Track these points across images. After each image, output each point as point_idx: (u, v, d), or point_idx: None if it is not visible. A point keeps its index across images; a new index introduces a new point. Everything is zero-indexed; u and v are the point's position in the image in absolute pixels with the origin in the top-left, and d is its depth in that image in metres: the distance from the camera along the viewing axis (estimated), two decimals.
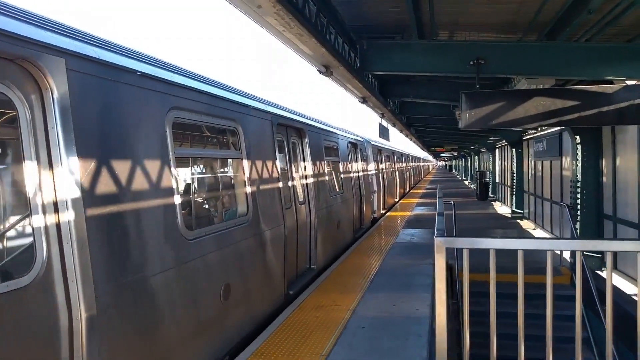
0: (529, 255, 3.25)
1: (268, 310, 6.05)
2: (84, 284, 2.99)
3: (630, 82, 7.82)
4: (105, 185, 3.33)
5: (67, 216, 2.97)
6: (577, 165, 10.86)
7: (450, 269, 9.13)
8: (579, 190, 10.88)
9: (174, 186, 4.12)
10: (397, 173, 25.33)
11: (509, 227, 16.55)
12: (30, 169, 2.87)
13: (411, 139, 29.30)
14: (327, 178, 9.76)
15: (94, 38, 3.57)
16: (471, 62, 7.52)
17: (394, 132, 20.89)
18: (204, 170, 6.60)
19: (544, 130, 14.70)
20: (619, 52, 7.30)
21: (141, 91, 3.80)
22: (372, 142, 17.48)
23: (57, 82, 2.94)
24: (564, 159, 13.39)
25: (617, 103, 7.23)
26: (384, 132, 17.45)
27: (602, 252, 9.59)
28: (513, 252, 3.28)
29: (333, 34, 7.16)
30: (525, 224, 17.50)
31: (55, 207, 2.95)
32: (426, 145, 40.01)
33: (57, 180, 2.94)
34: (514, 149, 19.64)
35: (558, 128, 12.83)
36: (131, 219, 3.59)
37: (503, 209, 22.17)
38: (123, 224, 3.49)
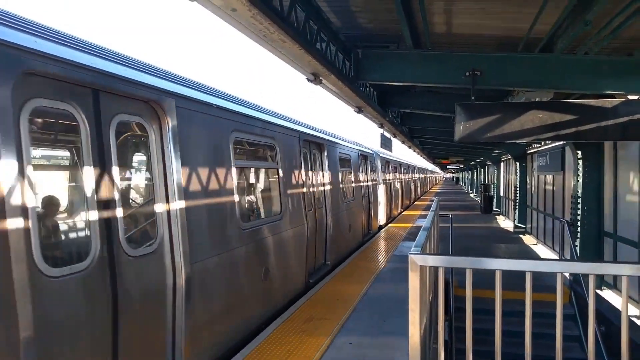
0: (533, 273, 3.08)
1: (294, 292, 7.61)
2: (184, 254, 4.37)
3: (631, 97, 7.60)
4: (196, 185, 4.74)
5: (175, 206, 4.34)
6: (578, 181, 10.61)
7: (446, 284, 8.92)
8: (579, 206, 10.61)
9: (235, 188, 5.58)
10: (402, 184, 25.21)
11: (510, 242, 16.25)
12: (154, 172, 4.27)
13: (415, 150, 29.07)
14: (341, 186, 11.20)
15: (186, 80, 5.06)
16: (467, 74, 7.35)
17: (396, 142, 20.72)
18: (253, 177, 7.97)
19: (548, 144, 14.46)
20: (619, 65, 7.09)
21: (215, 118, 5.29)
22: (381, 154, 17.68)
23: (171, 116, 4.35)
24: (566, 174, 13.13)
25: (617, 118, 7.00)
26: (386, 143, 17.30)
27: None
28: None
29: (325, 42, 7.02)
30: (528, 239, 17.18)
31: (167, 199, 4.31)
32: (431, 157, 39.74)
33: (169, 180, 4.32)
34: (517, 163, 19.37)
35: (561, 142, 12.59)
36: (211, 211, 5.05)
37: (506, 223, 21.85)
38: (206, 214, 4.93)
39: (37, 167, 3.43)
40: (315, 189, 9.19)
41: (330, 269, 9.60)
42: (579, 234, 10.57)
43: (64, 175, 4.90)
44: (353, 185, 12.74)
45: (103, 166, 3.66)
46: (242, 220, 5.76)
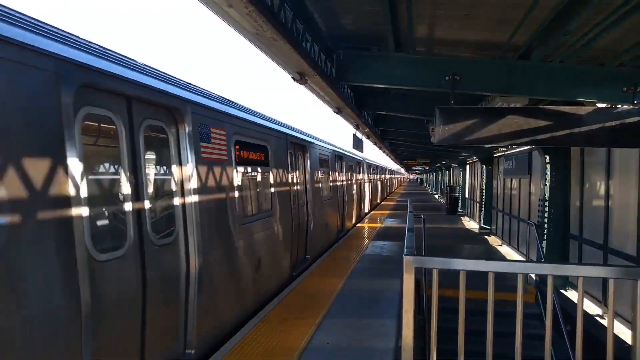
0: (496, 273, 3.20)
1: (281, 281, 8.30)
2: (197, 245, 4.98)
3: (600, 105, 7.92)
4: (208, 180, 5.36)
5: (191, 199, 4.96)
6: (546, 185, 10.97)
7: (417, 283, 9.07)
8: (546, 209, 10.98)
9: (236, 184, 6.25)
10: (371, 184, 25.50)
11: (477, 243, 16.66)
12: (173, 171, 4.92)
13: (384, 152, 29.41)
14: (320, 185, 11.94)
15: (197, 88, 5.68)
16: (447, 78, 7.48)
17: (367, 143, 20.90)
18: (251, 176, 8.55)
19: (514, 148, 14.88)
20: (591, 74, 7.38)
21: (219, 122, 5.85)
22: (352, 155, 18.11)
23: (187, 120, 4.95)
24: (532, 177, 13.55)
25: (587, 125, 7.28)
26: (358, 144, 17.40)
27: None
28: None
29: (309, 42, 7.01)
30: (493, 240, 17.65)
31: (182, 194, 4.93)
32: (399, 158, 40.27)
33: (185, 177, 4.96)
34: (484, 166, 19.86)
35: (528, 147, 12.99)
36: (217, 203, 5.67)
37: (471, 224, 22.38)
38: (212, 206, 5.49)
39: (86, 164, 3.73)
40: (299, 188, 9.87)
41: (310, 262, 10.47)
42: (545, 236, 10.94)
43: (105, 172, 5.17)
44: (330, 184, 13.43)
45: (134, 165, 4.22)
46: (241, 214, 6.54)
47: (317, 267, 9.84)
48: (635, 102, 6.95)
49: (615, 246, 8.95)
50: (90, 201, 3.66)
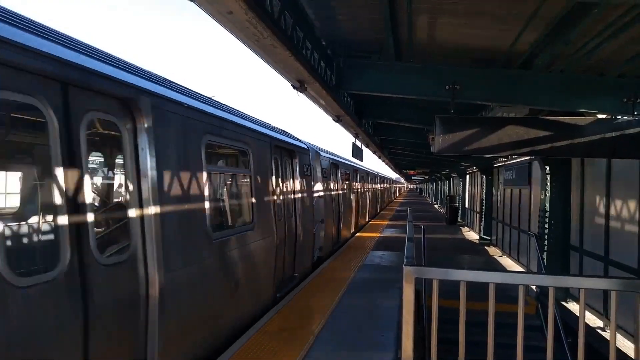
0: (497, 283, 3.16)
1: (262, 304, 7.17)
2: (158, 262, 4.18)
3: (601, 116, 7.90)
4: (172, 187, 4.59)
5: (150, 210, 4.17)
6: (546, 195, 10.93)
7: (417, 293, 8.99)
8: (547, 220, 10.93)
9: (207, 192, 5.34)
10: (370, 193, 25.42)
11: (477, 253, 16.58)
12: (128, 175, 4.18)
13: (384, 161, 29.40)
14: (310, 195, 10.74)
15: (161, 77, 4.89)
16: (447, 87, 7.46)
17: (367, 152, 20.89)
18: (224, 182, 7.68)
19: (515, 158, 14.86)
20: (591, 85, 7.36)
21: (186, 118, 4.97)
22: (350, 163, 17.92)
23: (145, 115, 4.15)
24: (532, 188, 13.51)
25: (588, 136, 7.28)
26: (357, 153, 17.39)
27: None
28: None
29: (309, 50, 7.00)
30: (493, 251, 17.58)
31: (140, 203, 4.15)
32: (398, 168, 40.28)
33: (142, 183, 4.26)
34: (484, 176, 19.82)
35: (528, 157, 12.97)
36: (184, 214, 4.83)
37: (471, 235, 22.30)
38: (178, 218, 4.69)
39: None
40: (286, 197, 8.87)
41: (297, 282, 9.13)
42: (546, 247, 10.87)
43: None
44: (323, 194, 12.39)
45: (72, 166, 3.59)
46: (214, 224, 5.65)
47: (306, 285, 8.84)
48: (636, 113, 6.93)
49: (617, 258, 8.88)
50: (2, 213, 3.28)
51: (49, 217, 3.66)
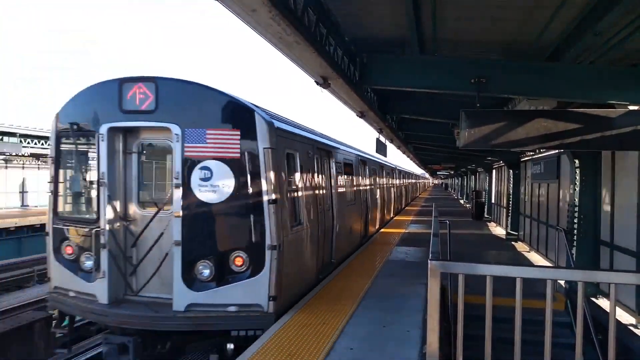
0: (524, 279, 3.11)
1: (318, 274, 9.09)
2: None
3: (632, 107, 7.69)
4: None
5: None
6: (576, 190, 10.69)
7: (442, 290, 8.94)
8: (576, 215, 10.70)
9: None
10: (394, 189, 25.33)
11: (503, 249, 16.34)
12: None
13: (408, 156, 29.18)
14: (345, 190, 11.86)
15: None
16: (472, 81, 7.36)
17: (391, 148, 20.78)
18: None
19: (542, 152, 14.57)
20: (622, 76, 7.17)
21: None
22: (375, 159, 17.99)
23: (333, 155, 10.29)
24: (561, 182, 13.24)
25: (619, 128, 7.08)
26: (381, 148, 17.33)
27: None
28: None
29: (333, 46, 7.01)
30: (520, 246, 17.29)
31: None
32: (423, 163, 39.93)
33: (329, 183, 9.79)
34: (511, 170, 19.49)
35: (556, 151, 12.70)
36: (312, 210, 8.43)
37: (498, 230, 21.98)
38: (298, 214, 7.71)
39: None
40: (324, 192, 9.44)
41: (335, 266, 10.46)
42: (575, 242, 10.65)
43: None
44: (354, 189, 12.97)
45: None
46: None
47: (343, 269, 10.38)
48: None
49: None
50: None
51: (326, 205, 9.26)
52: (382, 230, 18.31)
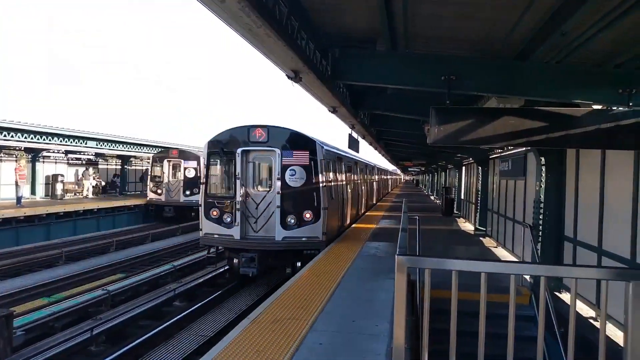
0: (491, 273, 3.14)
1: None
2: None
3: (596, 107, 7.89)
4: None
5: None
6: (541, 187, 10.95)
7: (412, 284, 9.04)
8: (541, 211, 10.96)
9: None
10: (367, 185, 25.57)
11: (472, 244, 16.64)
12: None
13: (380, 152, 29.37)
14: (349, 183, 18.26)
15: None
16: (443, 78, 7.43)
17: (363, 144, 20.86)
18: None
19: (510, 150, 14.86)
20: (587, 76, 7.35)
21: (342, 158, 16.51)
22: (350, 156, 18.70)
23: (344, 160, 17.40)
24: (527, 179, 13.53)
25: (583, 126, 7.26)
26: (353, 144, 17.38)
27: None
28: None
29: (305, 40, 6.95)
30: (488, 242, 17.63)
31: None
32: (395, 159, 40.25)
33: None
34: (480, 167, 19.83)
35: (524, 148, 12.97)
36: (335, 192, 14.70)
37: (467, 226, 22.36)
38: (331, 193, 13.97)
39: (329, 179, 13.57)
40: (338, 184, 15.45)
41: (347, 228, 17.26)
42: (540, 237, 10.91)
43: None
44: (351, 181, 19.10)
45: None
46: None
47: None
48: (631, 104, 6.92)
49: (609, 248, 8.92)
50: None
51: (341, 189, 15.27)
52: (353, 225, 18.60)
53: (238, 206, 12.40)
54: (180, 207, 29.53)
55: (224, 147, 12.85)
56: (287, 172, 12.46)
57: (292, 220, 12.33)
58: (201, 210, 12.97)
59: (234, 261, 12.90)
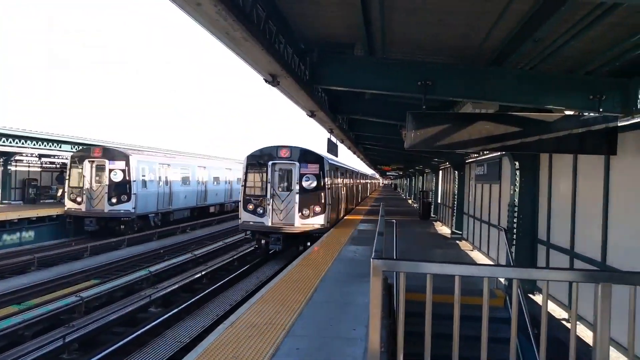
0: (465, 277, 3.18)
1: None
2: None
3: (568, 112, 8.08)
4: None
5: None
6: (516, 190, 11.14)
7: (389, 288, 9.08)
8: (515, 214, 11.15)
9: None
10: (346, 189, 25.83)
11: (448, 248, 16.83)
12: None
13: (359, 156, 29.52)
14: (345, 187, 24.61)
15: (328, 158, 18.93)
16: (419, 83, 7.51)
17: (342, 148, 20.95)
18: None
19: (486, 154, 15.10)
20: (559, 82, 7.52)
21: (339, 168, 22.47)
22: (331, 161, 19.50)
23: (341, 170, 23.78)
24: (502, 183, 13.76)
25: (555, 132, 7.41)
26: (332, 148, 17.42)
27: None
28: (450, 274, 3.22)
29: (283, 44, 6.95)
30: (464, 245, 17.86)
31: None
32: (373, 163, 40.49)
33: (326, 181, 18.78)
34: (456, 172, 20.10)
35: (498, 153, 13.20)
36: (336, 191, 20.75)
37: (444, 229, 22.61)
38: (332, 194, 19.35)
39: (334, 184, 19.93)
40: (338, 187, 21.14)
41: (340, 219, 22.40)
42: (514, 241, 11.09)
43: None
44: (348, 186, 25.89)
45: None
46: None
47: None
48: (601, 109, 7.11)
49: (581, 251, 9.13)
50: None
51: (337, 191, 21.58)
52: (345, 217, 23.48)
53: (268, 202, 17.36)
54: (104, 218, 23.60)
55: (259, 160, 17.71)
56: (303, 179, 17.55)
57: (306, 212, 17.35)
58: (240, 204, 18.13)
59: (262, 242, 17.90)
